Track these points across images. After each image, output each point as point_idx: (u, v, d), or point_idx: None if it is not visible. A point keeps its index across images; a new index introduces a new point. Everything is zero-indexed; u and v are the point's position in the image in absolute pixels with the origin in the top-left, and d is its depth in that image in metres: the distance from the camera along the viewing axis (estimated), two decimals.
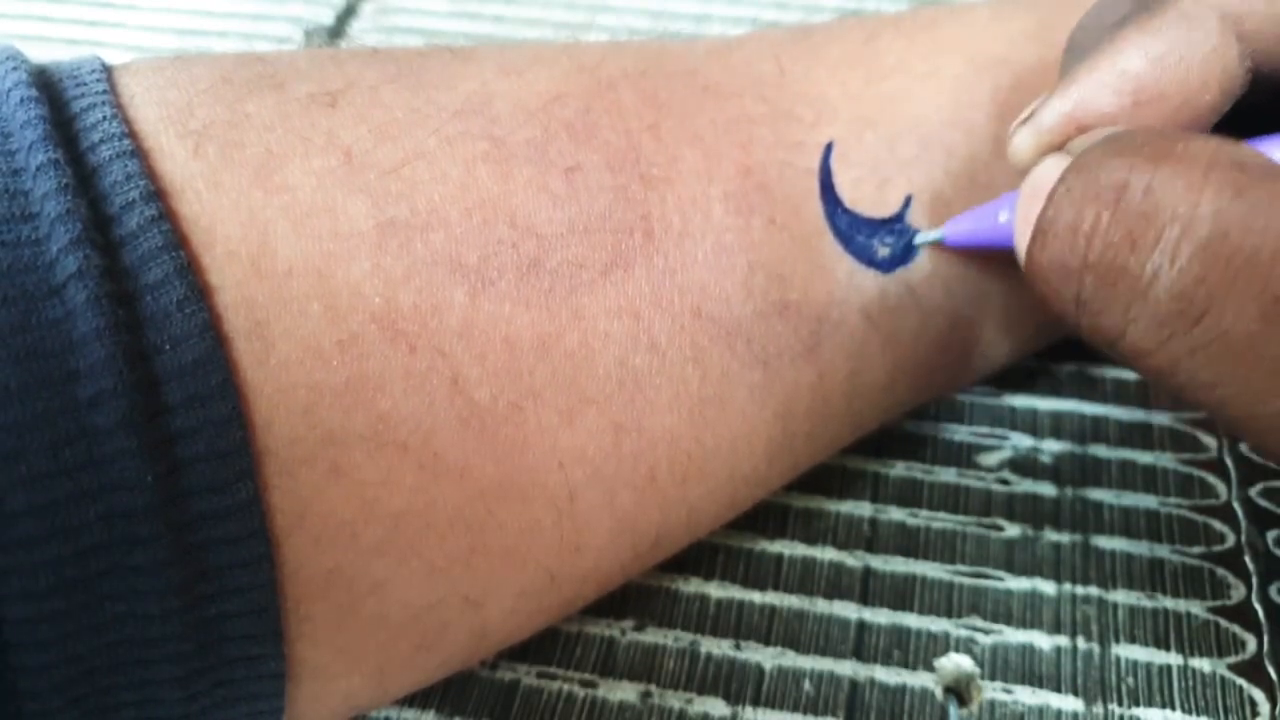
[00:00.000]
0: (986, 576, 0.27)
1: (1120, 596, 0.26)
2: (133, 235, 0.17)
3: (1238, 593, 0.26)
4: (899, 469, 0.29)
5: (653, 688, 0.25)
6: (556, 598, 0.22)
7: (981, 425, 0.30)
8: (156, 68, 0.20)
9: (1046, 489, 0.28)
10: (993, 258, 0.25)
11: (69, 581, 0.16)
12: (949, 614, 0.26)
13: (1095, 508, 0.28)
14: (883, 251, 0.23)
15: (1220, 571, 0.27)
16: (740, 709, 0.25)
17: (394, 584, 0.19)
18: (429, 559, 0.19)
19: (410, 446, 0.19)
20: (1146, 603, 0.26)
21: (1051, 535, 0.27)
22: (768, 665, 0.25)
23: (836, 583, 0.27)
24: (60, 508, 0.16)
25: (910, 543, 0.28)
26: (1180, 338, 0.17)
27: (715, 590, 0.27)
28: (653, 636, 0.26)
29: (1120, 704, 0.24)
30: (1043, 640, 0.26)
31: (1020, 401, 0.30)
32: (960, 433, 0.30)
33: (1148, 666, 0.25)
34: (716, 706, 0.25)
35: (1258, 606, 0.26)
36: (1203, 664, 0.25)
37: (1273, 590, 0.26)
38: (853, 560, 0.27)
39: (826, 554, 0.27)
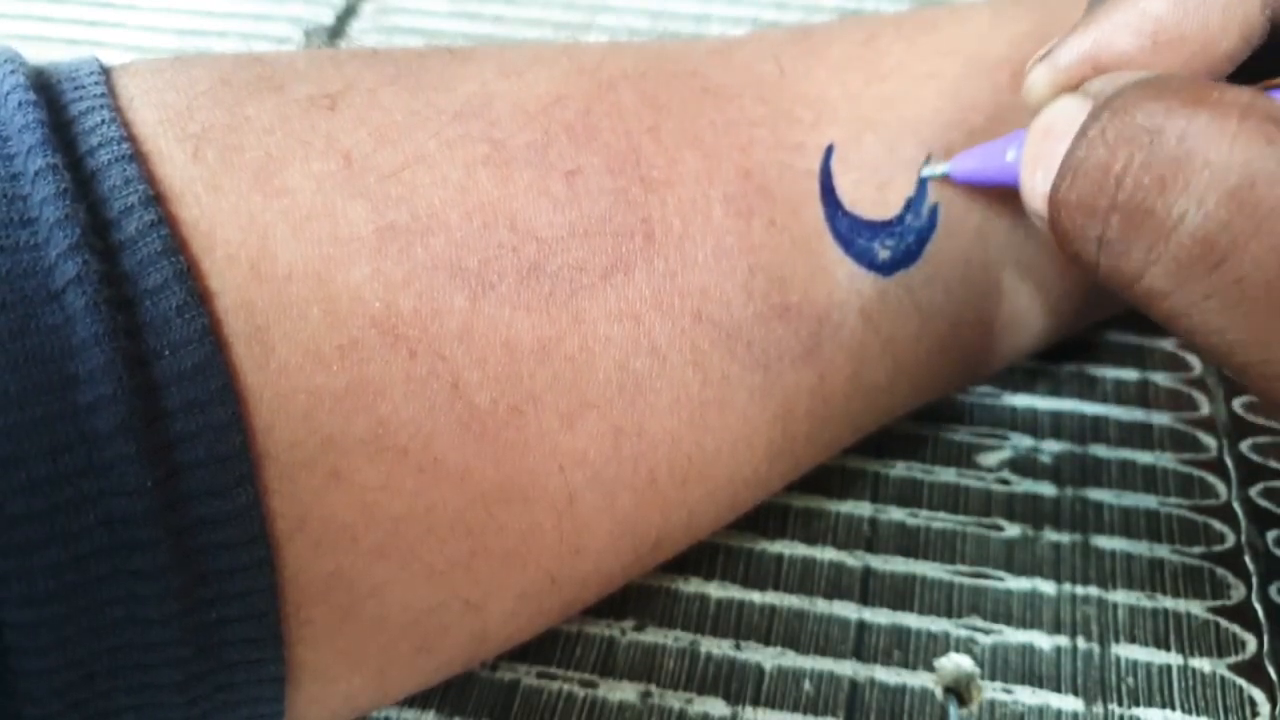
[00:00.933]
0: (986, 576, 0.27)
1: (1120, 596, 0.26)
2: (132, 240, 0.17)
3: (1238, 593, 0.26)
4: (899, 469, 0.29)
5: (653, 688, 0.25)
6: (557, 600, 0.22)
7: (981, 425, 0.30)
8: (155, 70, 0.20)
9: (1046, 489, 0.28)
10: (1006, 245, 0.25)
11: (69, 586, 0.16)
12: (949, 614, 0.26)
13: (1095, 508, 0.28)
14: (883, 254, 0.23)
15: (1220, 571, 0.27)
16: (740, 709, 0.25)
17: (394, 587, 0.19)
18: (429, 562, 0.19)
19: (410, 451, 0.19)
20: (1146, 603, 0.26)
21: (1051, 535, 0.27)
22: (768, 665, 0.25)
23: (836, 583, 0.27)
24: (60, 513, 0.16)
25: (910, 543, 0.28)
26: (1199, 281, 0.18)
27: (715, 590, 0.27)
28: (653, 636, 0.26)
29: (1120, 704, 0.25)
30: (1043, 640, 0.26)
31: (1020, 401, 0.30)
32: (960, 433, 0.30)
33: (1148, 666, 0.25)
34: (716, 706, 0.25)
35: (1258, 606, 0.26)
36: (1203, 664, 0.25)
37: (1273, 590, 0.26)
38: (853, 560, 0.27)
39: (826, 554, 0.27)
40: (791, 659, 0.25)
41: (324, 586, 0.19)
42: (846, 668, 0.25)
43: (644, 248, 0.21)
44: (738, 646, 0.26)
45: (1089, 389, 0.31)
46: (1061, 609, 0.26)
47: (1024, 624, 0.26)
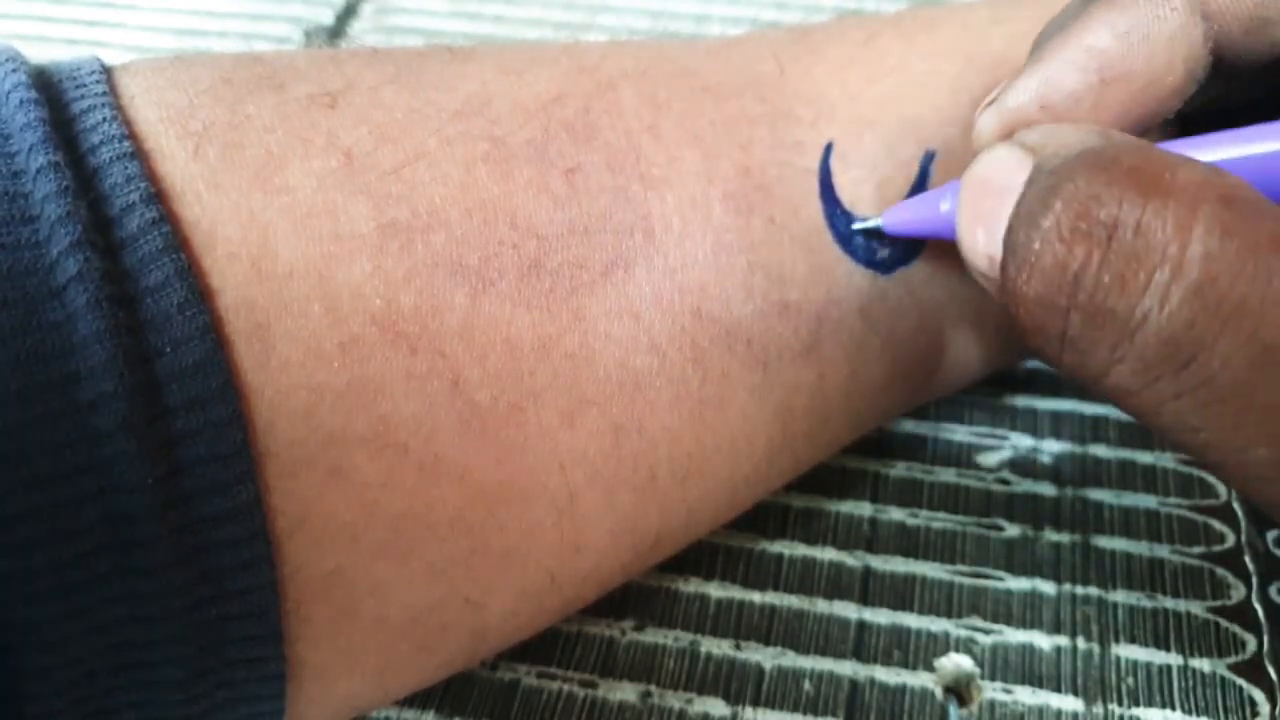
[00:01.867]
0: (986, 576, 0.27)
1: (1120, 596, 0.26)
2: (133, 238, 0.17)
3: (1238, 593, 0.26)
4: (899, 469, 0.29)
5: (653, 688, 0.25)
6: (557, 598, 0.22)
7: (981, 425, 0.30)
8: (156, 68, 0.20)
9: (1046, 489, 0.28)
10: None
11: (69, 584, 0.16)
12: (949, 614, 0.26)
13: (1095, 508, 0.28)
14: (882, 252, 0.23)
15: (1220, 571, 0.27)
16: (740, 709, 0.25)
17: (394, 585, 0.19)
18: (429, 560, 0.19)
19: (411, 448, 0.19)
20: (1146, 603, 0.26)
21: (1051, 535, 0.27)
22: (768, 665, 0.25)
23: (836, 583, 0.27)
24: (60, 510, 0.16)
25: (910, 543, 0.28)
26: (1167, 381, 0.17)
27: (715, 590, 0.27)
28: (653, 636, 0.26)
29: (1120, 704, 0.25)
30: (1043, 640, 0.26)
31: (1020, 401, 0.30)
32: (960, 433, 0.30)
33: (1148, 666, 0.25)
34: (716, 706, 0.25)
35: (1258, 606, 0.26)
36: (1203, 664, 0.25)
37: (1273, 590, 0.26)
38: (853, 560, 0.27)
39: (826, 554, 0.27)
40: (791, 659, 0.25)
41: (324, 584, 0.19)
42: (846, 668, 0.25)
43: (644, 245, 0.21)
44: (738, 646, 0.26)
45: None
46: (1061, 609, 0.26)
47: (1024, 624, 0.26)
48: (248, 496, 0.17)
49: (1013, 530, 0.28)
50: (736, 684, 0.25)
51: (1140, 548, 0.27)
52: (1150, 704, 0.24)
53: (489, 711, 0.25)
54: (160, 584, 0.17)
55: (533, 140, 0.21)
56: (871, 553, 0.27)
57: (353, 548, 0.19)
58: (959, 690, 0.25)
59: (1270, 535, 0.27)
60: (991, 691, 0.25)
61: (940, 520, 0.28)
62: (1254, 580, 0.27)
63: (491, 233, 0.20)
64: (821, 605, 0.26)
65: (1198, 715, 0.24)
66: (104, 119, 0.18)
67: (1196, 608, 0.26)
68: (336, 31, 0.42)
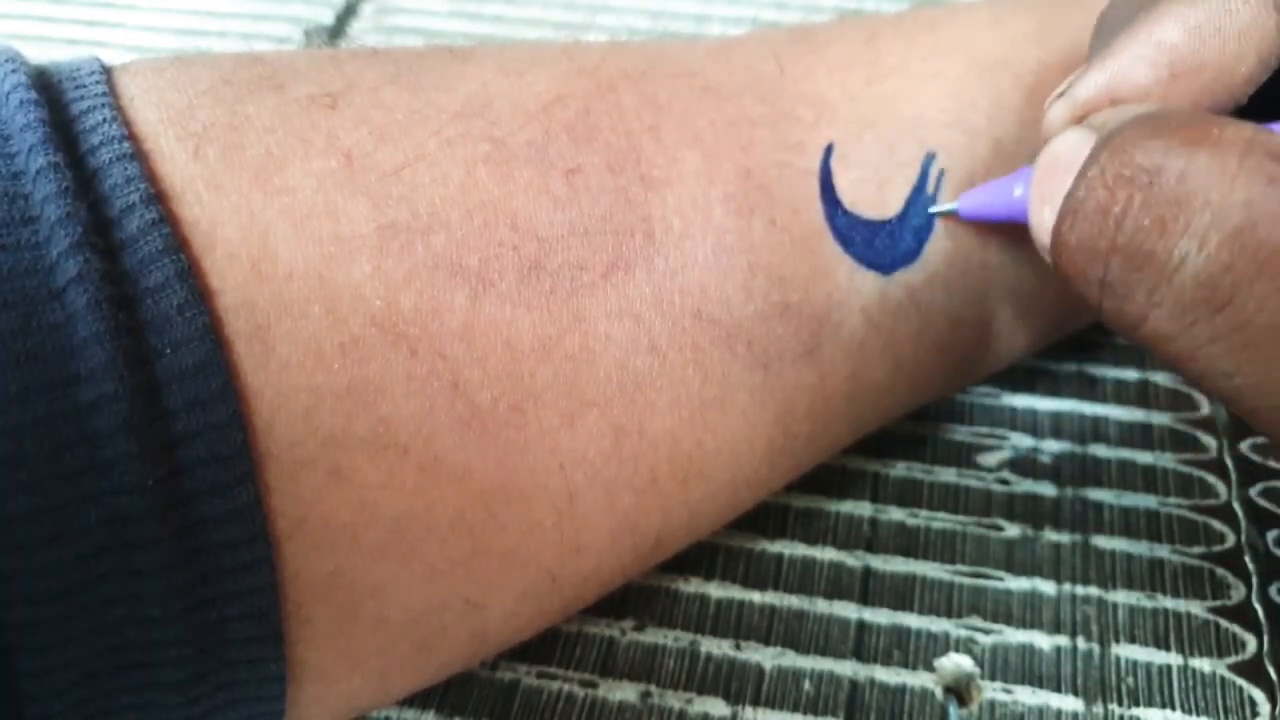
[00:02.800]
0: (986, 576, 0.27)
1: (1120, 596, 0.26)
2: (133, 239, 0.17)
3: (1238, 593, 0.26)
4: (899, 469, 0.29)
5: (653, 688, 0.25)
6: (557, 599, 0.22)
7: (981, 425, 0.30)
8: (156, 69, 0.20)
9: (1046, 489, 0.28)
10: (1003, 244, 0.25)
11: (70, 585, 0.16)
12: (949, 614, 0.26)
13: (1095, 508, 0.28)
14: (884, 253, 0.23)
15: (1220, 571, 0.27)
16: (740, 709, 0.25)
17: (394, 587, 0.19)
18: (430, 562, 0.19)
19: (411, 449, 0.19)
20: (1146, 603, 0.26)
21: (1051, 535, 0.27)
22: (768, 665, 0.25)
23: (836, 583, 0.27)
24: (61, 512, 0.16)
25: (910, 543, 0.28)
26: (1202, 325, 0.17)
27: (715, 590, 0.27)
28: (653, 636, 0.26)
29: (1120, 704, 0.25)
30: (1043, 640, 0.26)
31: (1020, 401, 0.30)
32: (960, 433, 0.30)
33: (1148, 666, 0.25)
34: (716, 706, 0.25)
35: (1258, 607, 0.26)
36: (1203, 664, 0.25)
37: (1273, 590, 0.26)
38: (853, 560, 0.27)
39: (826, 554, 0.27)
40: (791, 659, 0.25)
41: (325, 585, 0.19)
42: (846, 668, 0.25)
43: (644, 246, 0.21)
44: (738, 646, 0.26)
45: (1089, 389, 0.31)
46: (1061, 609, 0.26)
47: (1024, 624, 0.26)
48: (248, 498, 0.17)
49: (1013, 530, 0.28)
50: (736, 684, 0.25)
51: (1140, 548, 0.27)
52: (1150, 704, 0.24)
53: (489, 711, 0.25)
54: (160, 585, 0.17)
55: (533, 141, 0.21)
56: (871, 553, 0.27)
57: (353, 549, 0.19)
58: (959, 690, 0.25)
59: (1270, 535, 0.27)
60: (991, 691, 0.25)
61: (940, 520, 0.28)
62: (1254, 580, 0.27)
63: (492, 234, 0.20)
64: (821, 605, 0.26)
65: (1198, 715, 0.24)
66: (104, 119, 0.18)
67: (1196, 608, 0.26)
68: (336, 31, 0.42)
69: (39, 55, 0.20)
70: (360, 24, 0.43)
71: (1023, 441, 0.30)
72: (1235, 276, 0.17)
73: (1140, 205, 0.17)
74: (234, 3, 0.44)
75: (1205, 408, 0.30)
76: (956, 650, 0.26)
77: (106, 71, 0.20)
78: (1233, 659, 0.25)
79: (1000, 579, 0.27)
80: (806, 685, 0.25)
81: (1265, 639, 0.25)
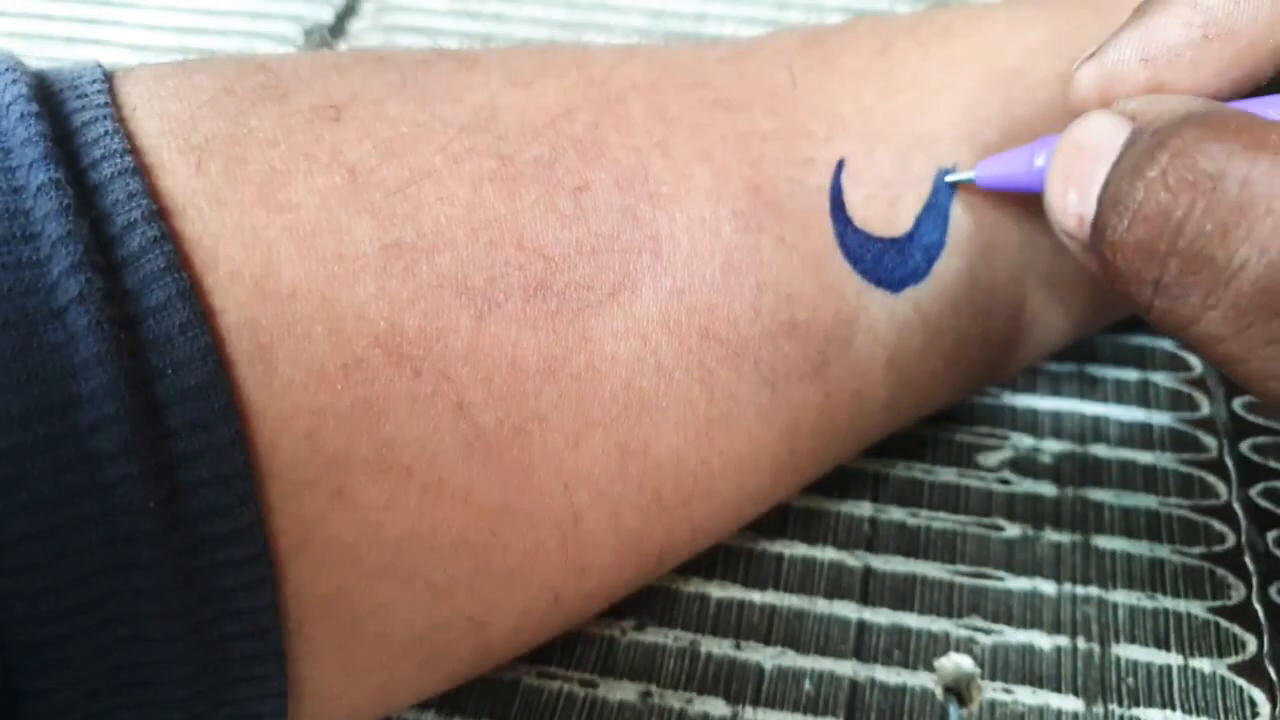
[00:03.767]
0: (987, 576, 0.27)
1: (1120, 596, 0.26)
2: (134, 256, 0.17)
3: (1238, 593, 0.26)
4: (899, 469, 0.29)
5: (653, 688, 0.25)
6: (560, 615, 0.22)
7: (981, 425, 0.30)
8: (158, 76, 0.20)
9: (1046, 489, 0.28)
10: (1011, 261, 0.25)
11: (71, 606, 0.16)
12: (949, 614, 0.26)
13: (1095, 508, 0.28)
14: (893, 271, 0.23)
15: (1220, 572, 0.27)
16: (740, 709, 0.25)
17: (397, 606, 0.19)
18: (433, 581, 0.19)
19: (414, 470, 0.19)
20: (1146, 603, 0.26)
21: (1051, 535, 0.27)
22: (768, 665, 0.25)
23: (837, 582, 0.27)
24: (62, 533, 0.16)
25: (910, 543, 0.28)
26: (1258, 329, 0.17)
27: (715, 590, 0.27)
28: (653, 636, 0.26)
29: (1120, 704, 0.25)
30: (1043, 640, 0.26)
31: (1020, 401, 0.30)
32: (960, 433, 0.30)
33: (1148, 667, 0.25)
34: (716, 706, 0.25)
35: (1258, 607, 0.26)
36: (1203, 664, 0.25)
37: (1273, 591, 0.26)
38: (853, 560, 0.27)
39: (827, 554, 0.27)
40: (792, 659, 0.25)
41: (327, 605, 0.18)
42: (847, 668, 0.25)
43: (652, 265, 0.21)
44: (738, 646, 0.26)
45: (1089, 389, 0.31)
46: (1062, 609, 0.26)
47: (1024, 624, 0.26)
48: (249, 518, 0.17)
49: (1013, 530, 0.28)
50: (736, 684, 0.25)
51: (1140, 548, 0.27)
52: (1150, 704, 0.25)
53: (489, 711, 0.25)
54: (161, 605, 0.17)
55: (540, 158, 0.21)
56: (872, 552, 0.27)
57: (356, 569, 0.19)
58: (959, 690, 0.25)
59: (1271, 535, 0.27)
60: (992, 691, 0.25)
61: (940, 520, 0.28)
62: (1254, 580, 0.27)
63: (498, 253, 0.19)
64: (822, 605, 0.26)
65: (1198, 715, 0.24)
66: (105, 132, 0.18)
67: (1197, 608, 0.26)
68: (337, 30, 0.42)
69: (39, 53, 0.20)
70: (361, 23, 0.43)
71: (1023, 441, 0.30)
72: None
73: (1203, 210, 0.17)
74: (234, 2, 0.43)
75: (1205, 408, 0.30)
76: (957, 650, 0.26)
77: (108, 79, 0.20)
78: (1233, 659, 0.25)
79: (1000, 579, 0.27)
80: (807, 685, 0.25)
81: (1265, 639, 0.25)
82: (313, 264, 0.18)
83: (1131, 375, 0.31)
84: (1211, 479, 0.29)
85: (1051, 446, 0.29)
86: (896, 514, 0.28)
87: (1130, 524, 0.28)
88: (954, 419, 0.30)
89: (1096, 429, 0.30)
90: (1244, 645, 0.25)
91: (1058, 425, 0.30)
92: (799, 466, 0.24)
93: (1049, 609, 0.26)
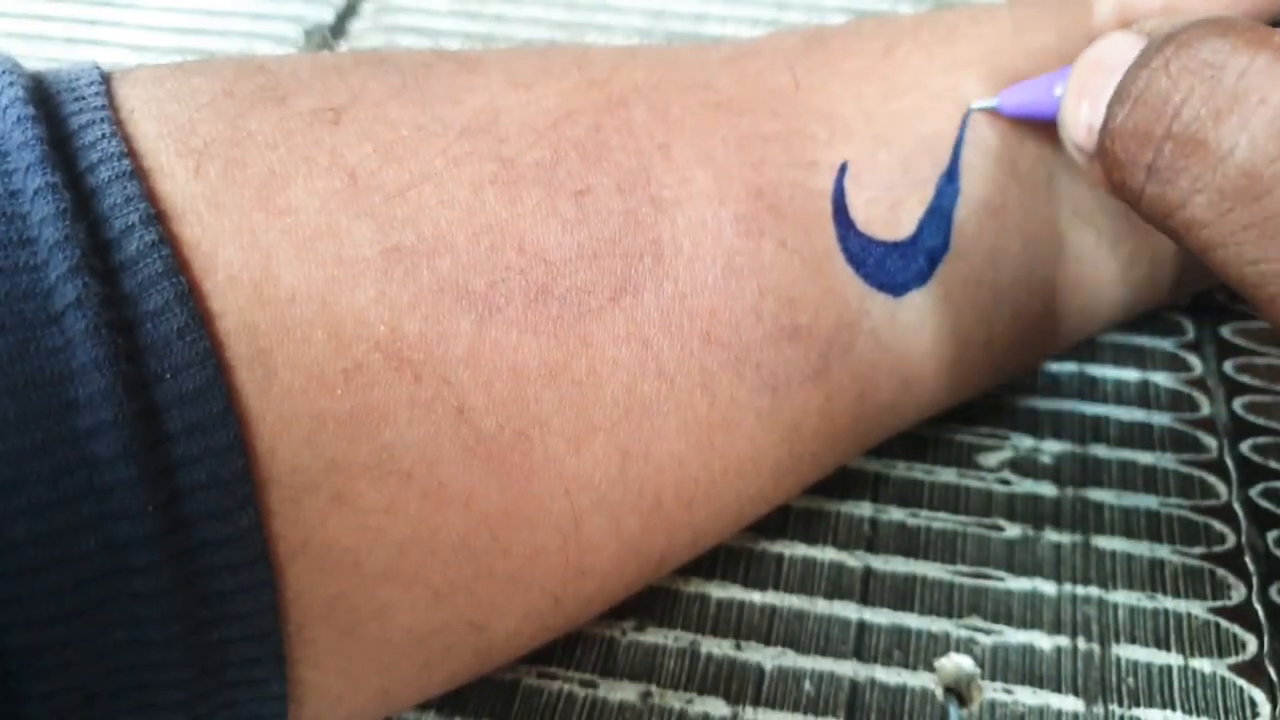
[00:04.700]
0: (987, 577, 0.27)
1: (1120, 597, 0.26)
2: (132, 260, 0.17)
3: (1238, 593, 0.26)
4: (899, 469, 0.29)
5: (653, 688, 0.25)
6: (561, 618, 0.22)
7: (982, 425, 0.30)
8: (156, 78, 0.20)
9: (1047, 489, 0.28)
10: (1016, 263, 0.25)
11: (70, 610, 0.16)
12: (949, 614, 0.26)
13: (1095, 508, 0.28)
14: (894, 275, 0.23)
15: (1221, 572, 0.27)
16: (740, 709, 0.25)
17: (397, 610, 0.19)
18: (433, 585, 0.19)
19: (415, 475, 0.19)
20: (1147, 603, 0.26)
21: (1052, 535, 0.27)
22: (768, 665, 0.25)
23: (837, 583, 0.27)
24: (60, 537, 0.16)
25: (911, 543, 0.28)
26: (1238, 212, 0.18)
27: (715, 590, 0.27)
28: (653, 636, 0.26)
29: (1120, 704, 0.25)
30: (1043, 640, 0.26)
31: (1020, 401, 0.30)
32: (960, 433, 0.30)
33: (1148, 667, 0.25)
34: (717, 706, 0.25)
35: (1258, 607, 0.26)
36: (1203, 664, 0.25)
37: (1273, 591, 0.26)
38: (853, 560, 0.27)
39: (827, 554, 0.27)
40: (792, 659, 0.25)
41: (326, 608, 0.18)
42: (847, 668, 0.25)
43: (653, 269, 0.21)
44: (738, 646, 0.26)
45: (1089, 389, 0.31)
46: (1062, 609, 0.26)
47: (1024, 624, 0.26)
48: (248, 522, 0.17)
49: (1013, 530, 0.28)
50: (737, 684, 0.25)
51: (1141, 548, 0.27)
52: (1150, 704, 0.24)
53: (489, 711, 0.25)
54: (160, 609, 0.17)
55: (541, 161, 0.20)
56: (872, 553, 0.27)
57: (355, 573, 0.19)
58: (959, 690, 0.25)
59: (1271, 536, 0.27)
60: (992, 692, 0.25)
61: (941, 520, 0.28)
62: (1254, 581, 0.27)
63: (499, 257, 0.19)
64: (822, 605, 0.26)
65: (1198, 716, 0.24)
66: (102, 135, 0.18)
67: (1197, 608, 0.26)
68: (337, 31, 0.42)
69: (38, 53, 0.20)
70: (361, 23, 0.43)
71: (1023, 441, 0.30)
72: (1278, 168, 0.18)
73: (1200, 96, 0.18)
74: (234, 2, 0.43)
75: (1206, 408, 0.30)
76: (957, 650, 0.26)
77: (106, 81, 0.20)
78: (1233, 659, 0.25)
79: (1001, 579, 0.27)
80: (807, 685, 0.25)
81: (1265, 640, 0.25)
82: (312, 268, 0.18)
83: (1131, 375, 0.31)
84: (1212, 479, 0.29)
85: (1051, 447, 0.29)
86: (897, 514, 0.28)
87: (1130, 524, 0.28)
88: (954, 419, 0.30)
89: (1096, 429, 0.30)
90: (1244, 645, 0.25)
91: (1058, 425, 0.30)
92: (800, 470, 0.24)
93: (1049, 609, 0.26)
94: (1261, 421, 0.30)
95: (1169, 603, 0.26)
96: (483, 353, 0.19)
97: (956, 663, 0.25)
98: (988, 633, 0.26)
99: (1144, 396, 0.30)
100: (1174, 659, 0.25)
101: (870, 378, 0.24)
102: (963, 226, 0.24)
